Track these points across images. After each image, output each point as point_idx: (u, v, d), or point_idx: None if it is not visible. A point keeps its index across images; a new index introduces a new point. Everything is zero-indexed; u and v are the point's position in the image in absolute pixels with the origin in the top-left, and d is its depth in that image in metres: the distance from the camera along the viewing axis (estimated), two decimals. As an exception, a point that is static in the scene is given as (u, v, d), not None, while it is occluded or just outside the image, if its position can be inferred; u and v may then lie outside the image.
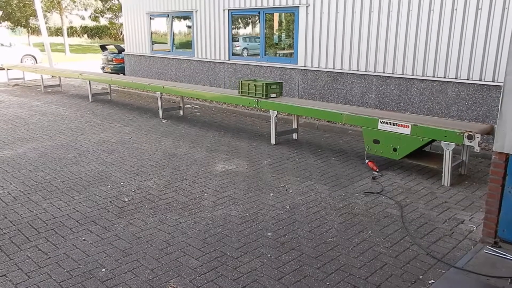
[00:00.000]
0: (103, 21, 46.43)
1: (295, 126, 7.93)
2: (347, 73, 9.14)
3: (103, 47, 17.81)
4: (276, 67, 10.46)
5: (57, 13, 36.34)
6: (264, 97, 7.53)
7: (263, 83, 7.57)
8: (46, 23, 30.69)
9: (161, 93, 9.71)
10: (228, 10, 11.28)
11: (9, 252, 3.88)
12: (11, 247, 3.98)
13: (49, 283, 3.42)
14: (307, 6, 9.52)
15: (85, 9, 39.70)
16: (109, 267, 3.65)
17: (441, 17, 7.62)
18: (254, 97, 7.65)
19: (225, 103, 10.76)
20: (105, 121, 9.53)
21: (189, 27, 12.80)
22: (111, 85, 12.65)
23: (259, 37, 10.91)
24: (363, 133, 6.32)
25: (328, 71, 9.46)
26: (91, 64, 23.77)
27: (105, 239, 4.13)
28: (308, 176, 5.94)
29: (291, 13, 10.03)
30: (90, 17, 43.22)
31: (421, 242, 4.09)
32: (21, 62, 21.79)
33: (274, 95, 7.70)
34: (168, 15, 13.29)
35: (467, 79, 7.49)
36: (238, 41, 11.81)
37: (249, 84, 7.76)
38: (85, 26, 51.43)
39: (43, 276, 3.51)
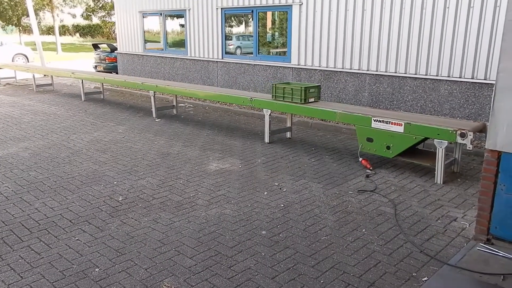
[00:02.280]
0: (96, 20, 46.13)
1: (288, 124, 7.93)
2: (340, 71, 9.16)
3: (95, 46, 17.72)
4: (270, 65, 10.46)
5: (49, 11, 36.06)
6: (303, 102, 6.91)
7: (301, 87, 6.92)
8: (38, 22, 30.47)
9: (154, 92, 9.68)
10: (221, 8, 11.26)
11: (1, 253, 3.84)
12: (3, 247, 3.95)
13: (42, 283, 3.39)
14: (300, 5, 9.52)
15: (74, 6, 39.35)
16: (102, 266, 3.63)
17: (433, 16, 7.65)
18: (291, 102, 7.04)
19: (218, 101, 10.75)
20: (98, 120, 9.48)
21: (182, 25, 12.76)
22: (103, 84, 12.58)
23: (252, 36, 10.90)
24: (357, 132, 6.34)
25: (321, 70, 9.47)
26: (83, 63, 23.62)
27: (98, 239, 4.11)
28: (302, 174, 5.95)
29: (284, 11, 10.03)
30: (82, 15, 42.90)
31: (414, 239, 4.11)
32: (12, 61, 21.62)
33: (312, 99, 7.06)
34: (161, 14, 13.24)
35: (460, 77, 7.54)
36: (231, 39, 11.80)
37: (284, 88, 7.16)
38: (77, 25, 51.07)
39: (36, 277, 3.48)
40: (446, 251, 3.88)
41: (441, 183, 5.57)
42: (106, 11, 41.05)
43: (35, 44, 18.19)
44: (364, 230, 4.30)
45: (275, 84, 7.34)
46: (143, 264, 3.67)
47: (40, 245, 3.98)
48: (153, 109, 9.84)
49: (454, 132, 5.33)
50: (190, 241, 4.07)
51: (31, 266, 3.64)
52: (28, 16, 28.76)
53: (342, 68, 9.11)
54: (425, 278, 3.46)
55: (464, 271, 3.47)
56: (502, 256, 3.66)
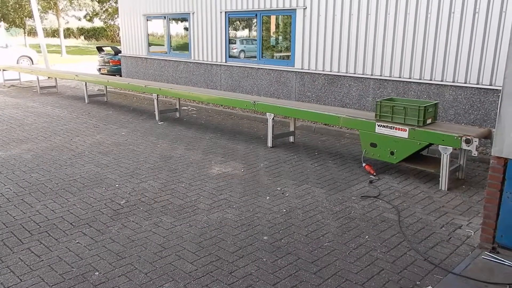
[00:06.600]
0: (98, 22, 46.21)
1: (292, 129, 7.89)
2: (344, 76, 9.12)
3: (99, 49, 17.75)
4: (273, 69, 10.43)
5: (54, 14, 36.22)
6: (422, 124, 5.63)
7: (419, 106, 5.63)
8: (42, 24, 30.60)
9: (157, 95, 9.66)
10: (225, 12, 11.25)
11: (1, 255, 3.82)
12: (3, 249, 3.92)
13: (41, 286, 3.36)
14: (304, 9, 9.50)
15: (80, 9, 39.53)
16: (102, 270, 3.60)
17: (438, 20, 7.61)
18: (404, 124, 5.75)
19: (221, 105, 10.73)
20: (101, 122, 9.47)
21: (186, 29, 12.77)
22: (107, 86, 12.58)
23: (256, 40, 10.88)
24: (360, 137, 6.29)
25: (325, 74, 9.43)
26: (87, 65, 23.69)
27: (99, 242, 4.07)
28: (304, 179, 5.90)
29: (288, 15, 10.01)
30: (85, 17, 43.00)
31: (418, 247, 4.05)
32: (17, 63, 21.68)
33: (429, 120, 5.79)
34: (165, 17, 13.25)
35: (465, 83, 7.48)
36: (235, 43, 11.78)
37: (393, 106, 5.84)
38: (82, 28, 51.28)
39: (35, 279, 3.45)
40: (451, 260, 3.82)
41: (446, 189, 5.52)
42: (110, 15, 41.14)
43: (39, 47, 18.26)
44: (367, 236, 4.25)
45: (381, 101, 6.01)
46: (143, 268, 3.64)
47: (40, 248, 3.95)
48: (156, 112, 9.82)
49: (459, 138, 5.28)
50: (191, 245, 4.03)
51: (30, 268, 3.61)
52: (31, 17, 28.89)
53: (346, 73, 9.07)
54: (429, 287, 3.40)
55: (469, 280, 3.41)
56: (508, 265, 3.60)
